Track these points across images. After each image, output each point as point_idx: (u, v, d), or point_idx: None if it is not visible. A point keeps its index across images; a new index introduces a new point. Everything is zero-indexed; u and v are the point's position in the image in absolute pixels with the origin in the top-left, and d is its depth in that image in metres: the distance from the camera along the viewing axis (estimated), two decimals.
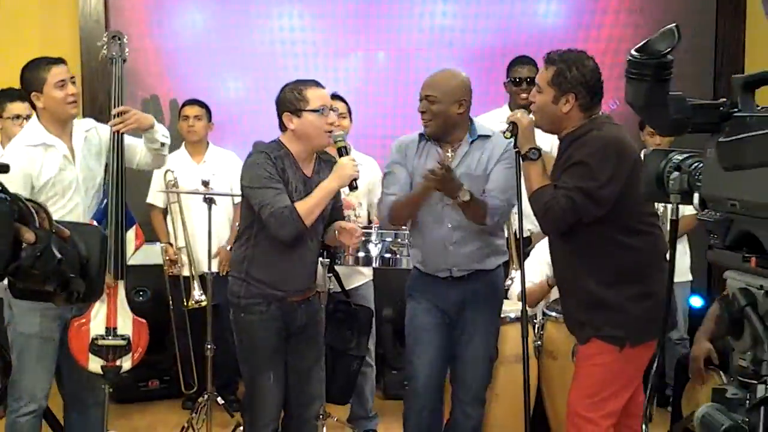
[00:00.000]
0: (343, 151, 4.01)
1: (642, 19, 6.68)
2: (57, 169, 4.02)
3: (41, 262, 1.48)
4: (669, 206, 5.13)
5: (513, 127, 3.67)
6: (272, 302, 3.94)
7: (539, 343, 4.41)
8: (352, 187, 3.99)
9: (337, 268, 4.74)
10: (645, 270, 3.60)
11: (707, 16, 6.65)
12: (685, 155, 2.04)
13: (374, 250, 4.68)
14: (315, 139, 3.93)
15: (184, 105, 5.97)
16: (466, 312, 4.08)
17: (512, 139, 4.00)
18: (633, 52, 1.87)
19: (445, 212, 4.01)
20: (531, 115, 3.70)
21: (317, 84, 3.96)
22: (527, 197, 3.65)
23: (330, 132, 3.94)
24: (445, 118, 3.98)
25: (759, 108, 1.82)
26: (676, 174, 2.00)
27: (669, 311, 3.49)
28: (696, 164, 1.97)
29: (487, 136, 4.07)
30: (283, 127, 3.96)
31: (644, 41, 1.88)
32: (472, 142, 4.04)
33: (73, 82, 4.13)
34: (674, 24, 1.87)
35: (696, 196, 1.91)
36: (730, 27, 6.59)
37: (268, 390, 3.95)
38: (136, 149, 4.35)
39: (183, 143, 5.99)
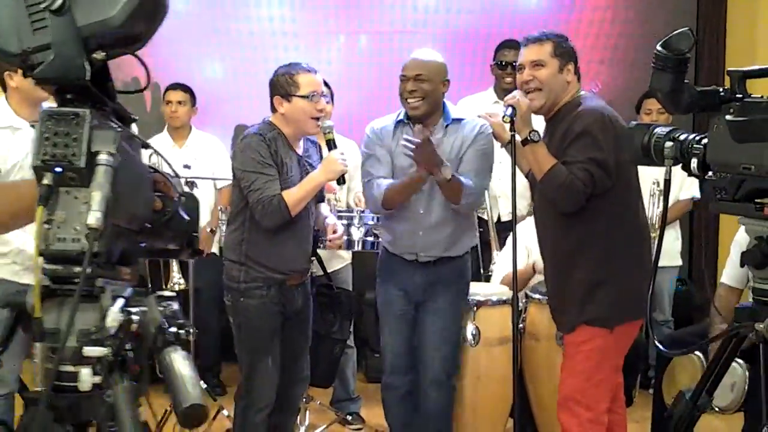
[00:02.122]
0: (331, 144, 4.01)
1: (623, 4, 6.69)
2: (24, 153, 3.96)
3: (173, 223, 1.79)
4: (660, 191, 5.18)
5: (512, 111, 3.61)
6: (272, 286, 3.94)
7: (522, 325, 4.41)
8: (340, 181, 4.01)
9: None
10: (633, 249, 3.62)
11: (689, 0, 6.67)
12: (668, 128, 2.53)
13: (356, 233, 4.67)
14: (303, 124, 3.93)
15: (167, 89, 5.92)
16: (430, 296, 4.09)
17: (484, 123, 4.01)
18: (659, 47, 2.35)
19: (418, 198, 4.01)
20: (527, 98, 3.68)
21: (310, 69, 3.95)
22: (538, 179, 3.60)
23: (317, 119, 3.94)
24: (435, 97, 3.98)
25: (759, 96, 2.29)
26: (670, 143, 2.47)
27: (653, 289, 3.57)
28: (684, 135, 2.46)
29: (460, 120, 4.06)
30: (273, 108, 3.95)
31: (665, 38, 2.37)
32: (446, 126, 4.04)
33: None
34: (687, 27, 2.39)
35: (694, 161, 2.38)
36: (711, 10, 6.62)
37: (266, 373, 3.95)
38: None
39: (165, 127, 5.96)
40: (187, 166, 5.19)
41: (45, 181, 1.59)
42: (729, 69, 2.35)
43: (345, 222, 4.57)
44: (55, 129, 1.60)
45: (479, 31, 6.43)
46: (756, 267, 2.36)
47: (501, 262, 4.87)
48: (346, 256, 5.26)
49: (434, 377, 4.09)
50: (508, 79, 5.45)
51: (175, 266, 5.57)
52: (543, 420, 4.42)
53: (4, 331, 1.71)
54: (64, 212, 1.62)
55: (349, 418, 5.30)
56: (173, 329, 1.66)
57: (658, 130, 2.55)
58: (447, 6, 6.63)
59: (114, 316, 1.60)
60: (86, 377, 1.60)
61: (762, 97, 2.27)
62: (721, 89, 2.33)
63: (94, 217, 1.55)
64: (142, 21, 1.69)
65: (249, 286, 3.94)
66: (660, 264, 5.39)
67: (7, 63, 1.66)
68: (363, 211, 4.63)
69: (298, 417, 4.65)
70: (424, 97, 3.95)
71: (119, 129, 1.65)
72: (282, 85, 3.91)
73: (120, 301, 1.64)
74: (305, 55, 6.20)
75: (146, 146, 1.81)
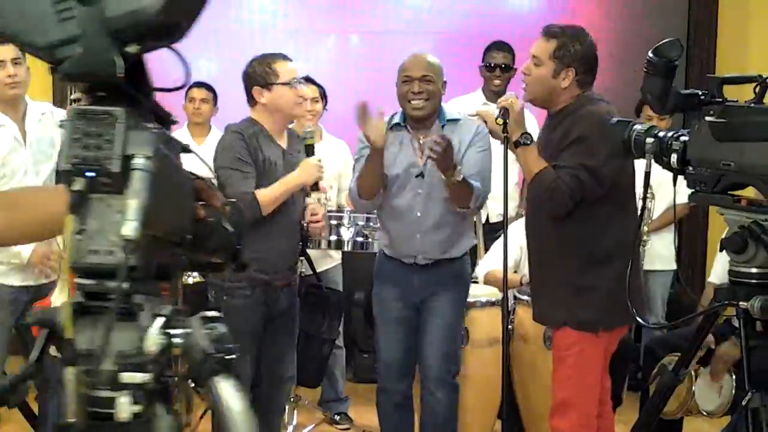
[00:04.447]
0: (310, 151, 4.00)
1: (614, 7, 6.70)
2: (6, 150, 3.94)
3: (216, 236, 1.62)
4: (652, 195, 5.24)
5: (504, 113, 3.59)
6: (257, 286, 3.91)
7: (510, 327, 4.42)
8: (314, 188, 4.00)
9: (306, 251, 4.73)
10: (623, 253, 3.62)
11: (680, 3, 6.68)
12: (647, 126, 2.79)
13: (346, 233, 4.67)
14: (288, 110, 3.93)
15: (191, 87, 5.93)
16: (430, 298, 4.06)
17: (481, 124, 4.00)
18: (650, 54, 2.61)
19: (415, 200, 3.98)
20: (521, 100, 3.66)
21: (285, 57, 3.96)
22: (528, 182, 3.58)
23: (299, 103, 3.94)
24: (438, 98, 3.99)
25: (735, 100, 2.56)
26: (651, 139, 2.70)
27: (638, 295, 3.70)
28: (663, 133, 2.69)
29: (456, 120, 4.05)
30: (252, 102, 3.93)
31: (656, 46, 2.62)
32: (442, 126, 4.03)
33: (17, 63, 3.97)
34: (676, 38, 2.65)
35: (674, 156, 2.61)
36: (702, 13, 6.63)
37: (242, 373, 3.94)
38: None
39: (186, 123, 5.97)
40: None
41: (75, 187, 1.42)
42: (708, 75, 2.70)
43: (335, 222, 4.56)
44: (86, 129, 1.43)
45: (468, 33, 6.42)
46: (735, 252, 2.58)
47: (486, 260, 4.87)
48: (336, 256, 5.26)
49: (438, 376, 4.06)
50: (497, 81, 5.46)
51: None
52: (530, 422, 4.43)
53: (36, 352, 1.52)
54: (97, 221, 1.45)
55: (337, 418, 5.29)
56: (220, 355, 1.46)
57: (637, 126, 2.80)
58: (437, 7, 6.63)
59: (154, 339, 1.42)
60: (125, 405, 1.42)
61: (737, 101, 2.53)
62: (700, 93, 2.57)
63: (130, 228, 1.38)
64: (179, 10, 1.54)
65: (233, 285, 3.91)
66: (654, 267, 5.48)
67: (37, 57, 1.48)
68: (353, 212, 4.62)
69: (286, 416, 4.65)
70: (429, 98, 3.93)
71: (156, 130, 1.49)
72: (260, 75, 3.90)
73: (159, 321, 1.46)
74: (296, 54, 6.19)
75: (186, 150, 1.62)
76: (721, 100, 2.54)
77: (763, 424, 2.52)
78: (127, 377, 1.41)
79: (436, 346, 4.05)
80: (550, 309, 3.71)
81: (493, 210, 5.29)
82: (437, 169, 3.81)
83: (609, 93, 5.85)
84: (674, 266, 5.69)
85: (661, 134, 2.69)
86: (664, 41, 2.63)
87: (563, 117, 3.59)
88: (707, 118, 2.51)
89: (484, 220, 5.34)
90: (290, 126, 4.25)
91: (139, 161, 1.41)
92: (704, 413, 3.86)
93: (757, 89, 2.48)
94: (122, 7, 1.42)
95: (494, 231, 5.05)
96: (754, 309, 2.51)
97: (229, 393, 1.45)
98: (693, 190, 2.61)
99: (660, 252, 5.56)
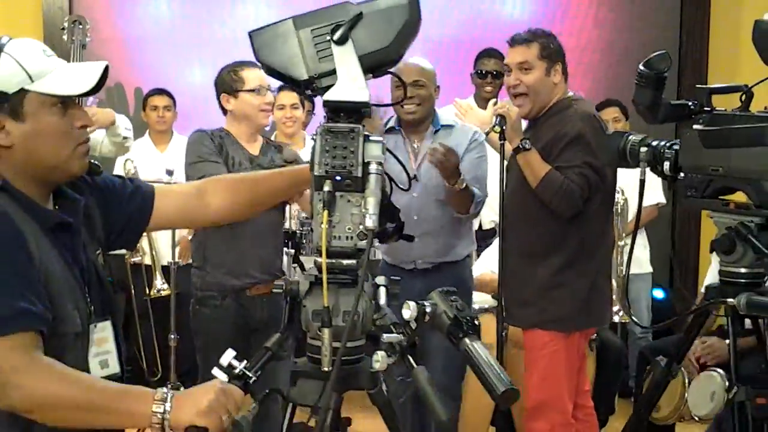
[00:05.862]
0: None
1: (606, 16, 6.72)
2: None
3: (389, 212, 2.06)
4: (626, 199, 5.26)
5: (501, 120, 3.62)
6: (228, 295, 3.87)
7: (504, 333, 4.41)
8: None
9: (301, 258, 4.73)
10: (600, 256, 3.66)
11: (672, 13, 6.71)
12: (641, 136, 2.84)
13: None
14: (253, 118, 3.92)
15: (151, 94, 5.92)
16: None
17: (476, 130, 4.03)
18: (641, 66, 2.68)
19: (411, 204, 3.98)
20: (515, 103, 3.69)
21: (254, 64, 3.92)
22: (533, 186, 3.59)
23: (264, 111, 3.92)
24: (430, 103, 4.02)
25: (723, 109, 2.65)
26: (645, 148, 2.76)
27: (607, 298, 3.82)
28: (657, 142, 2.76)
29: (450, 126, 4.08)
30: (223, 109, 3.97)
31: (646, 59, 2.69)
32: (436, 131, 4.05)
33: None
34: (664, 51, 2.73)
35: (666, 164, 2.70)
36: (694, 23, 6.65)
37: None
38: (97, 140, 4.28)
39: (147, 131, 5.95)
40: (170, 172, 5.16)
41: (326, 188, 1.89)
42: (697, 86, 2.79)
43: None
44: (334, 143, 1.89)
45: (459, 40, 6.44)
46: (724, 253, 2.66)
47: (476, 265, 4.87)
48: None
49: (438, 382, 3.99)
50: (488, 88, 5.48)
51: (158, 271, 5.56)
52: (523, 428, 4.42)
53: (285, 319, 2.01)
54: (339, 214, 1.93)
55: None
56: (470, 320, 1.90)
57: (632, 137, 2.85)
58: (428, 15, 6.56)
59: (410, 308, 1.91)
60: (382, 358, 1.86)
61: (725, 110, 2.63)
62: (690, 103, 2.68)
63: (371, 221, 1.84)
64: (406, 47, 2.01)
65: (204, 294, 3.90)
66: (631, 271, 5.47)
67: (293, 88, 1.88)
68: None
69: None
70: (421, 102, 3.97)
71: (382, 140, 1.95)
72: (227, 83, 3.92)
73: (383, 290, 1.99)
74: None
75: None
76: (709, 109, 2.64)
77: (749, 418, 2.59)
78: (387, 338, 1.90)
79: (435, 358, 3.86)
80: (519, 310, 3.72)
81: (486, 217, 5.30)
82: (443, 178, 3.83)
83: (600, 101, 5.92)
84: (650, 269, 5.74)
85: (654, 143, 2.77)
86: (654, 54, 2.70)
87: (548, 117, 3.65)
88: (696, 127, 2.61)
89: (476, 227, 5.33)
90: (273, 136, 4.25)
91: (373, 167, 1.91)
92: (696, 418, 3.87)
93: (743, 98, 2.58)
94: (368, 48, 1.93)
95: (487, 238, 5.06)
96: (740, 305, 2.57)
97: (482, 349, 1.89)
98: (685, 196, 2.71)
99: (635, 255, 5.58)
